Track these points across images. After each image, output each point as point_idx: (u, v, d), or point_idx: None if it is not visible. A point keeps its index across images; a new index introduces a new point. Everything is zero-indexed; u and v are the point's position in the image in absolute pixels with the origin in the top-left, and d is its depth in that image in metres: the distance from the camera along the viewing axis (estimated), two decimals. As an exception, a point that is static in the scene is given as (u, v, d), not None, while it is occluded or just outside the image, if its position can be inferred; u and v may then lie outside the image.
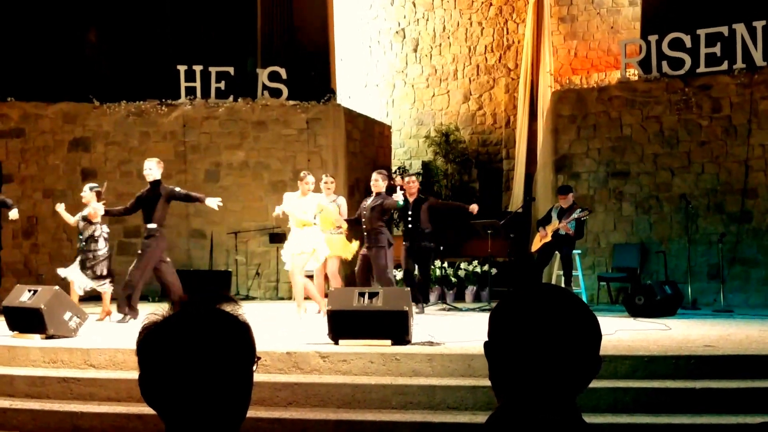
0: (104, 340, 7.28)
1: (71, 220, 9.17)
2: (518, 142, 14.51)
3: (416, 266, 9.73)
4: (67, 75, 12.86)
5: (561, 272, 10.24)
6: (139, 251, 8.88)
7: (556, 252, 10.29)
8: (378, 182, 9.35)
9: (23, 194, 12.34)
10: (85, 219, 9.02)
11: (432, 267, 11.41)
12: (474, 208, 9.61)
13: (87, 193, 9.12)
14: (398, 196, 9.09)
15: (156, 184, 8.93)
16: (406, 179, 9.95)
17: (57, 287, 7.78)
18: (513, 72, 15.40)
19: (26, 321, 7.40)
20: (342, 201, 9.73)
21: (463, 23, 15.80)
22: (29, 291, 7.63)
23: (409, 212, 9.71)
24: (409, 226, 9.70)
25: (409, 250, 9.71)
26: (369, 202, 9.32)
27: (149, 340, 1.31)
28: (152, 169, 8.92)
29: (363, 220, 9.20)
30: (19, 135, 12.51)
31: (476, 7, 15.73)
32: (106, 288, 8.97)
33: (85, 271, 8.87)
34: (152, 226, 8.86)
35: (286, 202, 8.97)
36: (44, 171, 12.49)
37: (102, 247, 8.96)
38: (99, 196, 9.10)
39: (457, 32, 15.85)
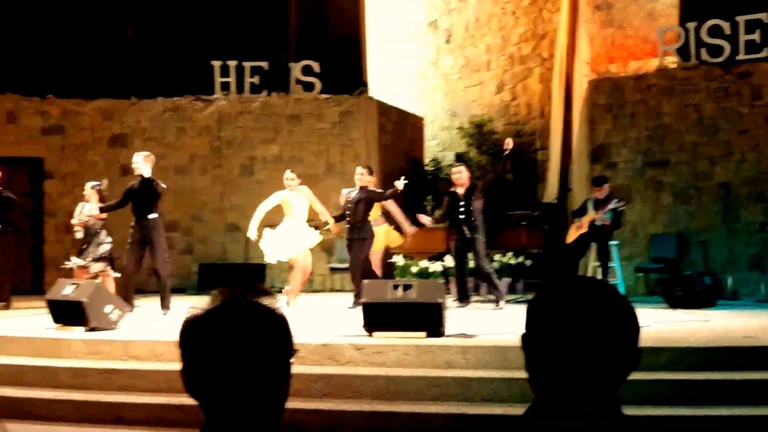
0: (144, 332, 7.41)
1: (74, 220, 9.52)
2: (553, 133, 14.38)
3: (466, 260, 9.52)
4: (106, 72, 13.07)
5: (598, 264, 10.15)
6: (149, 243, 8.98)
7: (593, 243, 10.20)
8: (363, 176, 9.43)
9: (64, 190, 12.57)
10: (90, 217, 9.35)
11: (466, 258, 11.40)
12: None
13: (88, 190, 9.47)
14: (399, 184, 9.11)
15: (147, 178, 9.01)
16: (453, 171, 9.69)
17: (99, 281, 7.93)
18: (548, 61, 15.24)
19: (69, 314, 7.55)
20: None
21: (496, 13, 15.68)
22: (72, 285, 7.79)
23: (461, 204, 9.37)
24: (461, 217, 9.36)
25: (460, 243, 9.36)
26: (354, 195, 9.39)
27: (191, 332, 1.34)
28: (139, 164, 9.03)
29: (347, 213, 9.34)
30: (60, 132, 12.74)
31: (510, -3, 15.61)
32: (109, 271, 9.25)
33: (86, 257, 9.25)
34: (153, 216, 9.01)
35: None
36: (84, 167, 12.70)
37: (104, 240, 9.38)
38: (100, 193, 9.43)
39: (490, 22, 15.74)
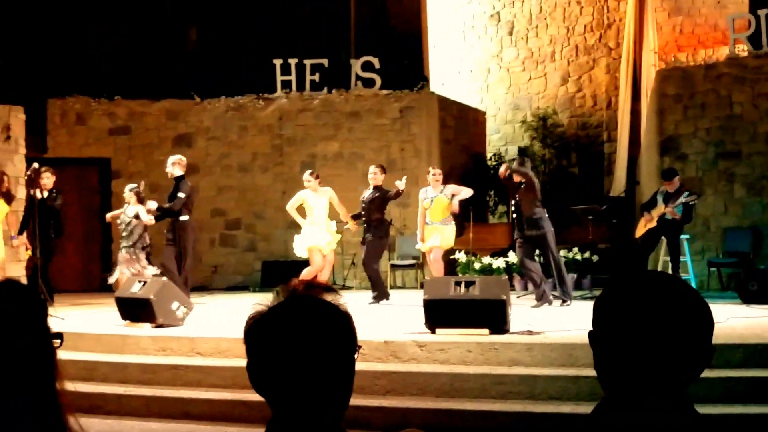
0: (209, 328, 7.50)
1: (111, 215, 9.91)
2: (620, 124, 14.04)
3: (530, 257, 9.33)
4: (170, 73, 13.31)
5: (668, 258, 9.87)
6: (178, 243, 9.32)
7: (663, 237, 9.92)
8: (376, 175, 9.66)
9: (131, 189, 12.85)
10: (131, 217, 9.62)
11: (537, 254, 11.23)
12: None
13: (127, 193, 9.75)
14: (400, 184, 9.29)
15: (178, 179, 9.40)
16: (501, 169, 9.58)
17: (165, 278, 8.07)
18: (614, 51, 14.91)
19: (137, 311, 7.70)
20: (450, 189, 9.55)
21: (561, 3, 15.40)
22: (139, 282, 7.96)
23: (512, 201, 9.33)
24: (514, 216, 9.32)
25: (521, 241, 9.13)
26: (367, 195, 9.65)
27: (256, 329, 1.35)
28: (168, 167, 9.52)
29: (362, 212, 9.59)
30: (127, 132, 13.03)
31: (574, -14, 15.32)
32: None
33: (130, 266, 9.46)
34: (184, 218, 9.37)
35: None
36: (150, 166, 12.95)
37: (143, 242, 9.71)
38: (138, 196, 9.66)
39: (554, 13, 15.46)
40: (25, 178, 10.61)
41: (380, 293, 9.59)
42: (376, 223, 9.53)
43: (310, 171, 9.72)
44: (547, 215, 8.96)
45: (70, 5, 13.21)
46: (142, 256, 9.61)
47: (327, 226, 9.56)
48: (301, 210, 9.69)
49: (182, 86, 13.04)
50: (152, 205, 9.57)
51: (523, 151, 15.13)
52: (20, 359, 1.33)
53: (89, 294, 11.48)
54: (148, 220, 9.45)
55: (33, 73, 12.88)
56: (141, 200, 9.70)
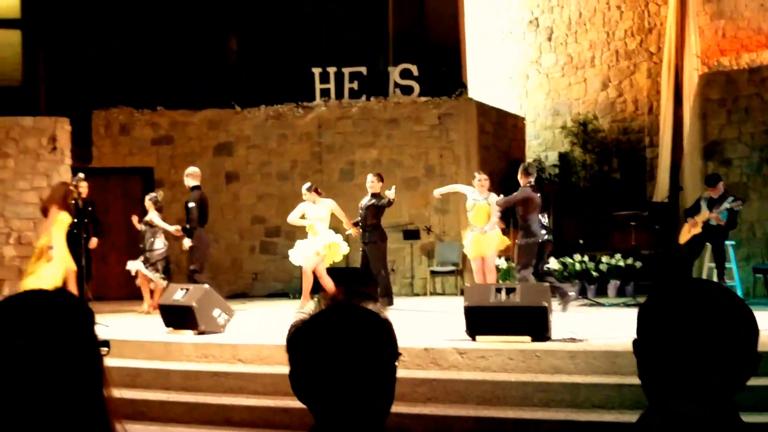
0: (250, 335, 7.56)
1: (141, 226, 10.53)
2: (663, 129, 13.85)
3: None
4: (211, 83, 13.49)
5: (713, 265, 9.69)
6: (192, 251, 9.92)
7: (707, 243, 9.73)
8: (374, 183, 10.00)
9: (173, 198, 13.01)
10: (146, 223, 10.44)
11: (572, 261, 11.13)
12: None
13: (147, 202, 10.52)
14: (390, 194, 9.62)
15: (194, 189, 10.06)
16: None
17: (207, 285, 8.16)
18: (655, 56, 14.72)
19: (180, 318, 7.79)
20: (494, 199, 9.49)
21: (600, 8, 15.27)
22: (182, 289, 8.04)
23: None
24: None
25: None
26: (364, 201, 10.00)
27: (299, 338, 1.36)
28: (184, 178, 10.19)
29: (359, 218, 9.99)
30: (169, 142, 13.22)
31: (614, -9, 15.18)
32: (163, 283, 10.15)
33: (147, 266, 10.31)
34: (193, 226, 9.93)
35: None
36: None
37: (159, 247, 10.39)
38: (156, 204, 10.45)
39: (594, 18, 15.34)
40: (72, 187, 10.83)
41: (389, 300, 9.68)
42: (370, 229, 9.87)
43: (308, 185, 10.05)
44: (532, 225, 8.88)
45: (117, 20, 13.47)
46: (156, 262, 10.34)
47: (328, 237, 9.88)
48: (334, 219, 10.01)
49: (223, 96, 13.21)
50: (173, 228, 10.26)
51: (563, 157, 15.00)
52: (71, 367, 1.36)
53: (132, 302, 11.65)
54: (174, 230, 10.22)
55: (78, 86, 13.16)
56: (159, 209, 10.47)
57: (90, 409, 1.35)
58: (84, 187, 10.24)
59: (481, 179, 9.49)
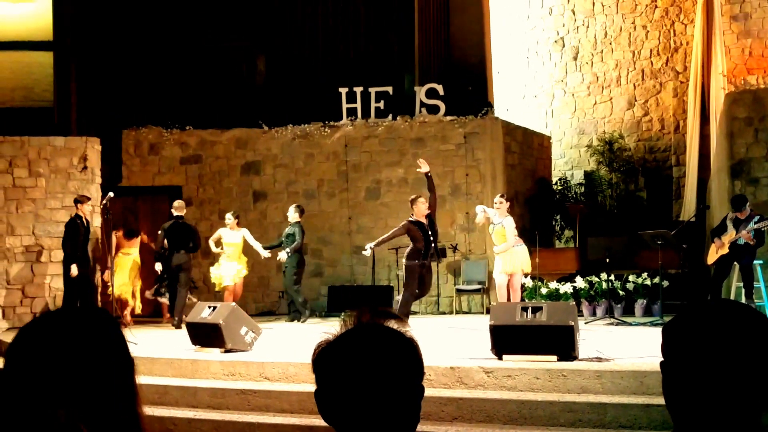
0: (277, 353, 7.60)
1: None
2: (689, 148, 13.77)
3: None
4: (239, 103, 13.66)
5: (741, 284, 9.58)
6: (182, 274, 10.94)
7: (735, 263, 9.64)
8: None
9: (201, 216, 13.17)
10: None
11: (598, 280, 11.07)
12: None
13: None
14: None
15: (179, 219, 11.01)
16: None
17: (234, 304, 8.22)
18: (682, 75, 14.68)
19: (207, 336, 7.85)
20: (508, 224, 9.50)
21: (626, 28, 15.27)
22: (209, 307, 8.10)
23: None
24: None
25: None
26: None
27: (325, 357, 1.37)
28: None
29: (280, 242, 11.06)
30: (197, 161, 13.38)
31: (640, 11, 15.16)
32: (161, 299, 11.45)
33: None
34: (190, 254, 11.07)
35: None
36: (219, 194, 13.27)
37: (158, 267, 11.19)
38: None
39: (619, 37, 15.34)
40: (101, 207, 11.01)
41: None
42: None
43: (232, 212, 11.21)
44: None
45: (147, 41, 13.70)
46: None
47: (239, 260, 11.10)
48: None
49: (251, 115, 13.36)
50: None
51: (588, 176, 14.95)
52: (106, 384, 1.39)
53: (154, 318, 11.79)
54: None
55: (108, 106, 13.38)
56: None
57: (126, 427, 1.38)
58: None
59: (497, 202, 9.57)
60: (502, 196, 9.66)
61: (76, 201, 10.67)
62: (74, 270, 10.32)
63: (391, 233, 9.66)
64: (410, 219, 9.43)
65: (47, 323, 1.42)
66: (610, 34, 15.41)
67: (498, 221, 9.44)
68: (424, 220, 9.37)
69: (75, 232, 10.49)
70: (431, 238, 9.34)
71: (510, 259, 9.33)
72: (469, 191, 12.43)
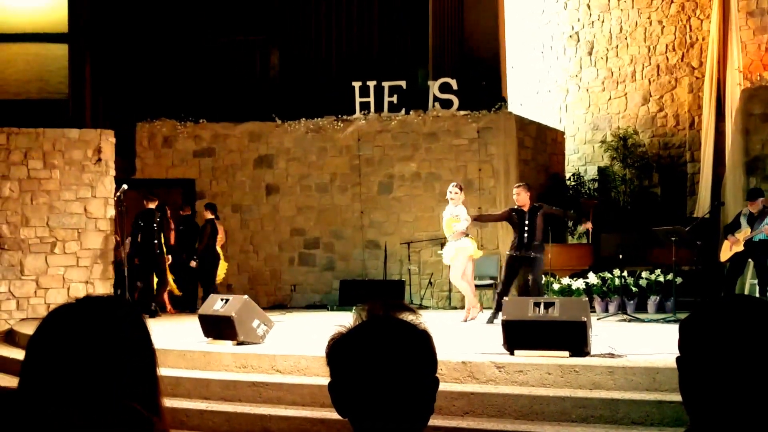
0: (289, 346, 7.62)
1: None
2: (704, 144, 13.69)
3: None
4: (253, 96, 13.68)
5: (755, 281, 9.53)
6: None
7: (750, 260, 9.58)
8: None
9: (214, 209, 13.20)
10: None
11: (611, 276, 11.02)
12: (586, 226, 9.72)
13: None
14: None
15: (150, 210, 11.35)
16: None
17: (246, 296, 8.25)
18: (697, 71, 14.58)
19: (219, 328, 7.88)
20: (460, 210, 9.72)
21: (642, 23, 15.18)
22: (221, 300, 8.13)
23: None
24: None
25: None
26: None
27: (338, 350, 1.37)
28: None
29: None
30: (211, 154, 13.41)
31: (656, 5, 15.06)
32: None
33: None
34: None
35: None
36: (232, 187, 13.30)
37: None
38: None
39: (635, 32, 15.25)
40: (115, 199, 11.07)
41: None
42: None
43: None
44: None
45: (162, 34, 13.74)
46: None
47: None
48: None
49: (264, 109, 13.37)
50: None
51: (602, 171, 14.89)
52: (129, 374, 1.40)
53: (175, 312, 11.85)
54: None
55: (123, 98, 13.43)
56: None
57: (146, 415, 1.39)
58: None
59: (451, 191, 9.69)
60: (457, 186, 9.79)
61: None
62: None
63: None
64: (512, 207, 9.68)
65: (68, 314, 1.42)
66: (625, 29, 15.32)
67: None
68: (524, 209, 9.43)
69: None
70: (524, 230, 9.38)
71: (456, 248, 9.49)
72: (482, 186, 12.40)
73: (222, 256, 11.99)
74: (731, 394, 1.27)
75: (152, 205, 11.30)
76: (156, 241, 11.16)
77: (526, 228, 9.36)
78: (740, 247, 9.51)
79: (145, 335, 1.45)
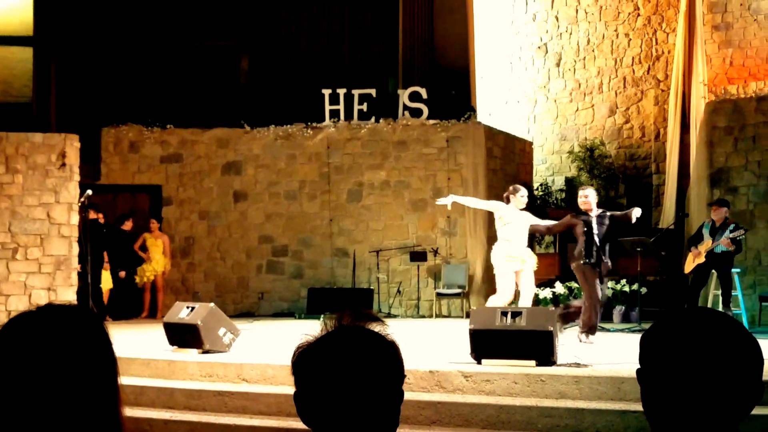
0: (255, 355, 7.55)
1: None
2: (669, 156, 13.89)
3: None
4: (221, 102, 13.58)
5: (718, 292, 9.66)
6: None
7: (713, 271, 9.72)
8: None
9: (181, 216, 13.08)
10: None
11: (577, 285, 11.10)
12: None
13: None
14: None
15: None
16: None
17: (212, 304, 8.16)
18: (663, 83, 14.81)
19: (184, 336, 7.78)
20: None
21: (608, 35, 15.38)
22: (187, 308, 8.01)
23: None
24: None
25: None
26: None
27: (304, 359, 1.36)
28: None
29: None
30: (178, 160, 13.29)
31: (623, 19, 15.28)
32: None
33: None
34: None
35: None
36: (200, 194, 13.19)
37: None
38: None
39: (602, 45, 15.44)
40: (79, 204, 10.90)
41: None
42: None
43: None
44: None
45: (124, 38, 13.60)
46: None
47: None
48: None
49: (233, 115, 13.29)
50: None
51: (569, 182, 15.03)
52: (87, 383, 1.37)
53: (137, 319, 11.70)
54: None
55: (88, 103, 13.26)
56: None
57: (106, 426, 1.36)
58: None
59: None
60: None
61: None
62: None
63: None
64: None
65: (28, 323, 1.39)
66: (592, 42, 15.51)
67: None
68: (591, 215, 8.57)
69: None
70: (593, 237, 8.54)
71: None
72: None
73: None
74: (691, 406, 1.28)
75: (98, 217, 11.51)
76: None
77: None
78: (702, 259, 9.63)
79: (106, 343, 1.42)
